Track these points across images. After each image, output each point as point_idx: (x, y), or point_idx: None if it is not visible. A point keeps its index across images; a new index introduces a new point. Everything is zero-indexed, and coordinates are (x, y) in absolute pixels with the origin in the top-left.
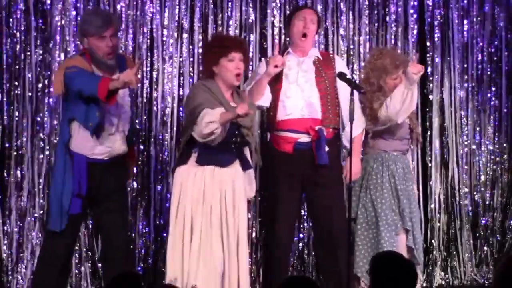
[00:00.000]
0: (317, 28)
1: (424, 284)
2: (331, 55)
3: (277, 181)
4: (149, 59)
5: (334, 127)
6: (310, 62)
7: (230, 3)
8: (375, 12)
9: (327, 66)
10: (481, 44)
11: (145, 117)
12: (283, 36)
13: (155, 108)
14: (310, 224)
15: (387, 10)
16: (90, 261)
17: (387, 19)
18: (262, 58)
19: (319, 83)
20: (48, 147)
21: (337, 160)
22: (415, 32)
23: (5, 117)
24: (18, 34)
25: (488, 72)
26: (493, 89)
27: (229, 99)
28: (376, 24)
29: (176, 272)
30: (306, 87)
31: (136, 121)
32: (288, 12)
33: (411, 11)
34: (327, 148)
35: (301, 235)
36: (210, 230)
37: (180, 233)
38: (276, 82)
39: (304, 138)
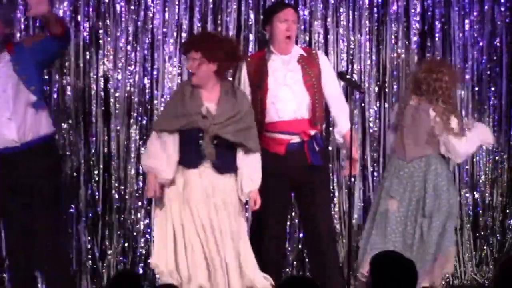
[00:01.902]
0: (297, 24)
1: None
2: (313, 51)
3: (267, 181)
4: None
5: (322, 123)
6: (295, 61)
7: (228, 3)
8: (375, 11)
9: (312, 63)
10: (481, 43)
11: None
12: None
13: (156, 107)
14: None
15: (387, 9)
16: (90, 261)
17: (388, 18)
18: (243, 61)
19: (306, 82)
20: None
21: (325, 159)
22: (416, 31)
23: None
24: (17, 34)
25: (488, 72)
26: (493, 88)
27: (206, 97)
28: (376, 23)
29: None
30: (295, 88)
31: None
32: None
33: (412, 10)
34: (317, 148)
35: (300, 235)
36: (188, 226)
37: (162, 228)
38: (260, 83)
39: (296, 139)
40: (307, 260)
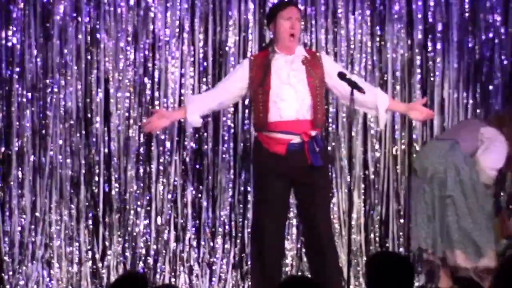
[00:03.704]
0: (301, 22)
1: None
2: (317, 54)
3: (267, 181)
4: (151, 58)
5: (322, 126)
6: (299, 61)
7: (229, 3)
8: (377, 11)
9: (315, 65)
10: (482, 44)
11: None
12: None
13: (157, 108)
14: (301, 223)
15: (389, 9)
16: (90, 261)
17: (388, 18)
18: (247, 58)
19: (310, 83)
20: (52, 147)
21: (326, 160)
22: (419, 32)
23: (5, 117)
24: (18, 35)
25: (489, 72)
26: (492, 88)
27: None
28: (379, 24)
29: None
30: (298, 87)
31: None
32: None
33: (414, 6)
34: (317, 149)
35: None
36: None
37: None
38: (263, 81)
39: (297, 140)
40: (306, 260)
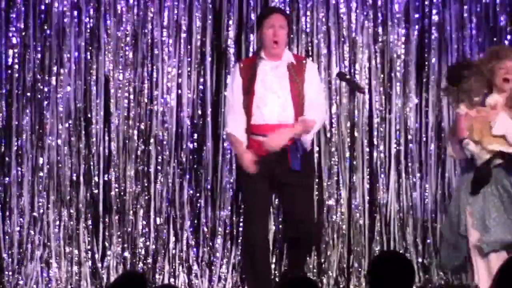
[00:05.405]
0: (288, 29)
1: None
2: (303, 61)
3: (252, 183)
4: (149, 58)
5: (306, 132)
6: (284, 67)
7: (229, 3)
8: (378, 12)
9: (299, 71)
10: (480, 43)
11: (146, 118)
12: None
13: (155, 108)
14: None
15: (388, 9)
16: (90, 261)
17: (389, 18)
18: (236, 64)
19: (293, 90)
20: (51, 147)
21: (309, 162)
22: (415, 32)
23: (5, 117)
24: (18, 34)
25: None
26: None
27: None
28: (380, 24)
29: None
30: (281, 93)
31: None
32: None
33: (412, 9)
34: (299, 153)
35: None
36: None
37: None
38: (249, 86)
39: None
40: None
